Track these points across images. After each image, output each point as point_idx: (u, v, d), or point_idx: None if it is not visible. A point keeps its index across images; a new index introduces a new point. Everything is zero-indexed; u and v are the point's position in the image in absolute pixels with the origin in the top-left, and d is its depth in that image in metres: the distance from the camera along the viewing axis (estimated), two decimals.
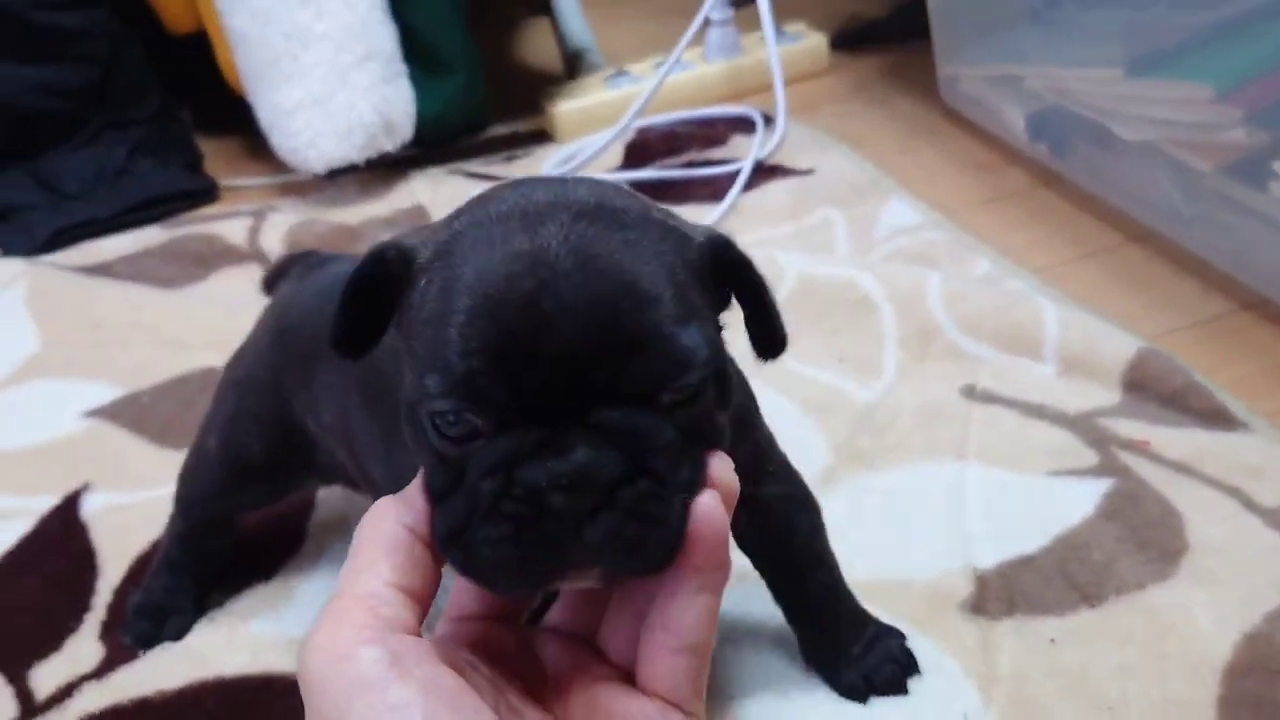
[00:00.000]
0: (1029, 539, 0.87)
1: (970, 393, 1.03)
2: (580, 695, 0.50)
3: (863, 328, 1.13)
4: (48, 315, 1.35)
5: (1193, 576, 0.82)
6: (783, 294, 1.17)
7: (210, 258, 1.45)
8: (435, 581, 0.49)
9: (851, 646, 0.77)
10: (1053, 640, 0.78)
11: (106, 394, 1.21)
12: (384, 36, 1.48)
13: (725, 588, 0.49)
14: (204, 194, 1.64)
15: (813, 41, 1.75)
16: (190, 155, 1.72)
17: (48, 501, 1.05)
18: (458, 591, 0.53)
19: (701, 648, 0.48)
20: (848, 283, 1.17)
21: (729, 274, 0.52)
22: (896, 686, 0.76)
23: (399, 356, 0.52)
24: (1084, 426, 0.97)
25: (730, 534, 0.48)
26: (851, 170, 1.45)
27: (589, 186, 0.50)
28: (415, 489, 0.49)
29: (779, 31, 1.76)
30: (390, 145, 1.52)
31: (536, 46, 2.07)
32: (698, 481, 0.48)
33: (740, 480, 0.68)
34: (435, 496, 0.49)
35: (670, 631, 0.48)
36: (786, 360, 1.08)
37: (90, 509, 1.04)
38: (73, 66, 1.63)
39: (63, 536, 1.02)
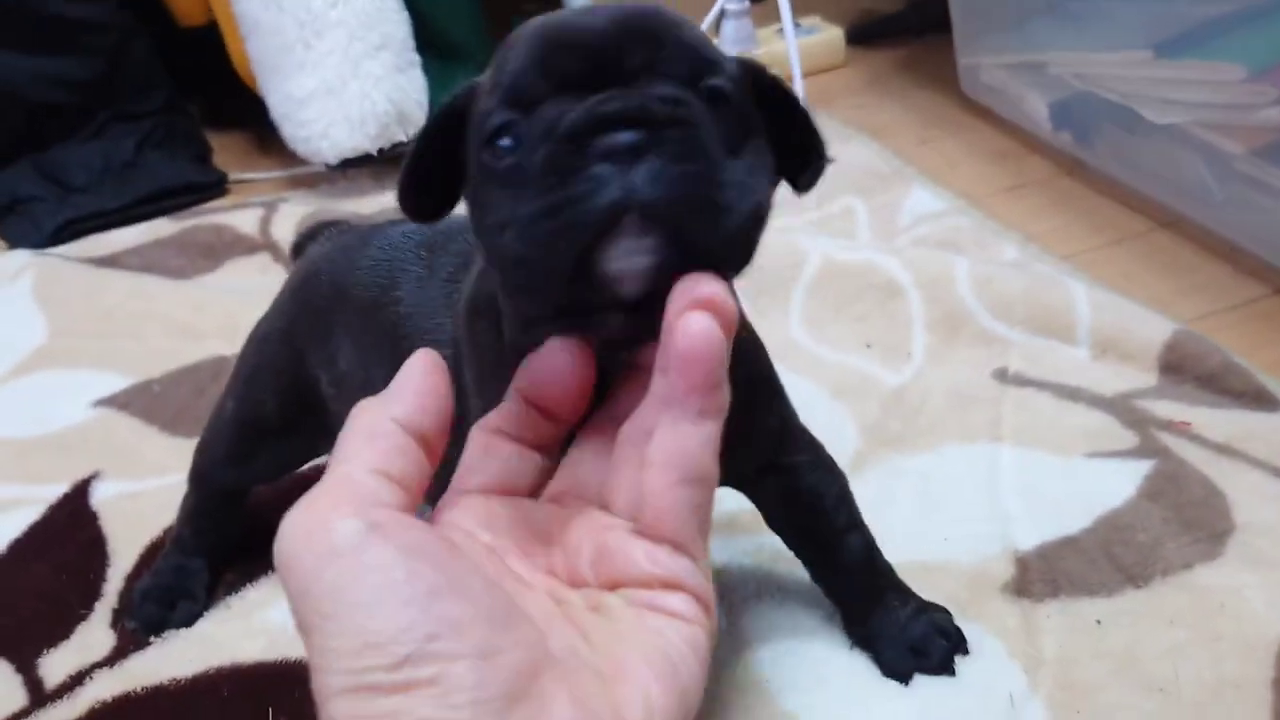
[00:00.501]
0: (1070, 520, 0.84)
1: (1003, 376, 1.01)
2: (585, 550, 0.46)
3: (890, 312, 1.10)
4: (55, 305, 1.33)
5: (1241, 557, 0.79)
6: (805, 279, 1.15)
7: (220, 248, 1.42)
8: (425, 474, 0.45)
9: (896, 615, 0.74)
10: (1099, 621, 0.76)
11: (116, 383, 1.18)
12: (398, 24, 1.47)
13: (723, 415, 0.45)
14: (213, 187, 1.62)
15: (829, 34, 1.73)
16: (199, 148, 1.70)
17: (57, 490, 1.03)
18: (461, 466, 0.50)
19: (705, 480, 0.45)
20: (873, 267, 1.14)
21: (762, 95, 0.51)
22: (945, 666, 0.73)
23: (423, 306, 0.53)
24: (1121, 408, 0.95)
25: (728, 352, 0.44)
26: (872, 159, 1.43)
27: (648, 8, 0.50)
28: (403, 382, 0.46)
29: (796, 25, 1.74)
30: (404, 135, 1.50)
31: None
32: (764, 187, 0.47)
33: (767, 450, 0.69)
34: (499, 227, 0.46)
35: (671, 465, 0.44)
36: (813, 346, 1.07)
37: (101, 497, 1.02)
38: (80, 58, 1.61)
39: (72, 524, 0.99)
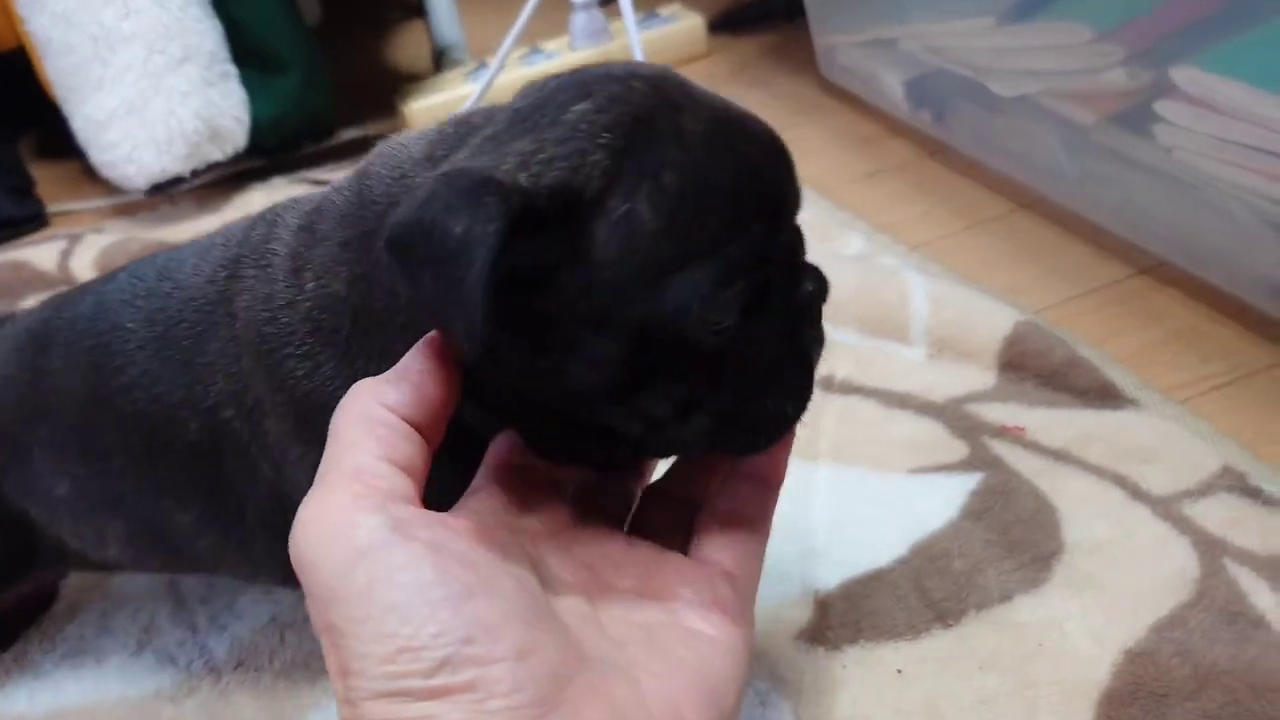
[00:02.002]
0: (882, 550, 0.74)
1: (829, 384, 0.90)
2: (631, 565, 0.47)
3: None
4: None
5: (1067, 582, 0.69)
6: None
7: (18, 287, 1.30)
8: (426, 461, 0.43)
9: None
10: (900, 671, 0.65)
11: None
12: (203, 34, 1.34)
13: None
14: (29, 221, 1.50)
15: (689, 23, 1.63)
16: (17, 180, 1.57)
17: None
18: (490, 452, 0.49)
19: (766, 534, 0.50)
20: None
21: None
22: None
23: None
24: (952, 415, 0.84)
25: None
26: None
27: (624, 65, 0.48)
28: (404, 367, 0.43)
29: (652, 15, 1.64)
30: (220, 154, 1.38)
31: (409, 50, 1.94)
32: None
33: None
34: (680, 407, 0.46)
35: (746, 514, 0.49)
36: None
37: None
38: None
39: None
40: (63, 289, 1.25)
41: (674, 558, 0.47)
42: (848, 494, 0.79)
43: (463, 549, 0.39)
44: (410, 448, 0.42)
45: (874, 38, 1.31)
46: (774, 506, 0.50)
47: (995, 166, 1.17)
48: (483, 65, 1.60)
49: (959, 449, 0.81)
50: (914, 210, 1.18)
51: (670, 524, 0.50)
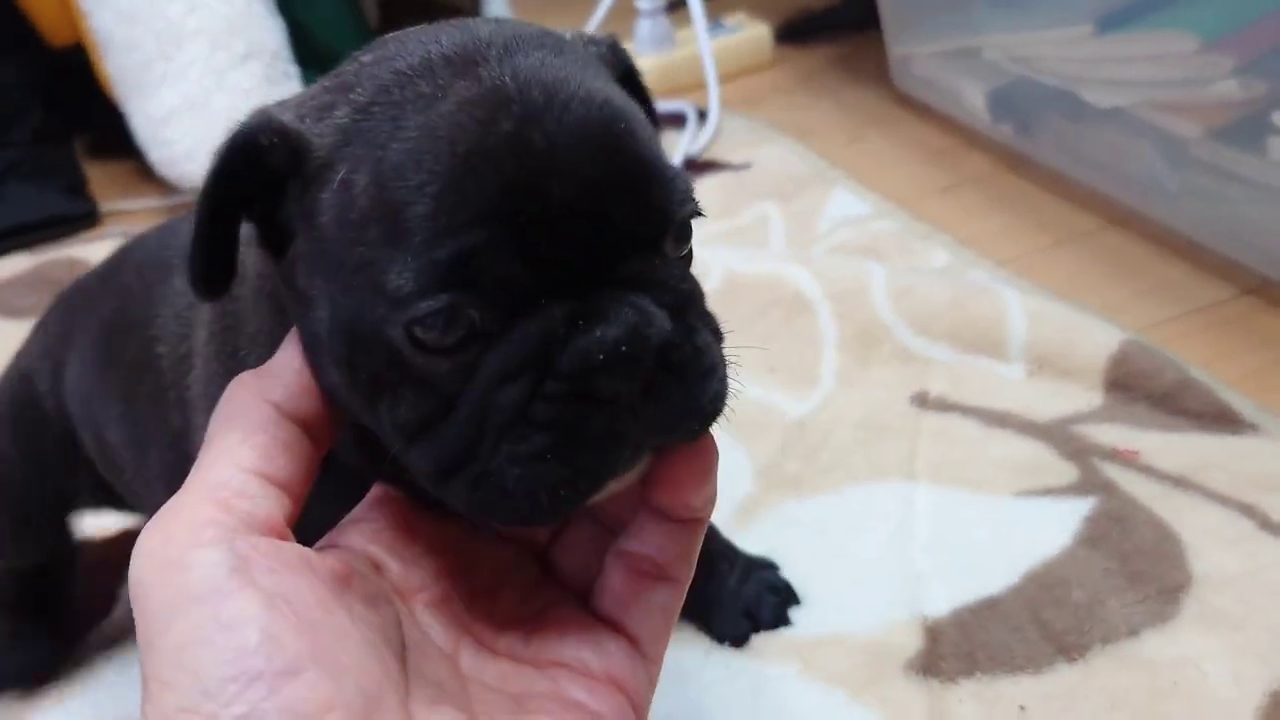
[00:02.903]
0: (993, 577, 0.69)
1: (922, 401, 0.86)
2: (522, 611, 0.41)
3: (797, 331, 0.95)
4: None
5: (1200, 618, 0.64)
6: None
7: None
8: (309, 471, 0.38)
9: (726, 580, 0.70)
10: (1023, 707, 0.61)
11: None
12: (268, 31, 1.32)
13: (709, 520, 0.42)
14: (82, 219, 1.48)
15: (754, 33, 1.59)
16: (71, 178, 1.55)
17: None
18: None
19: (681, 584, 0.41)
20: (779, 279, 1.00)
21: (626, 79, 0.44)
22: (778, 621, 0.70)
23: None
24: (1059, 436, 0.80)
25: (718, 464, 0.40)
26: (792, 161, 1.28)
27: (484, 20, 0.41)
28: (283, 359, 0.39)
29: (718, 24, 1.61)
30: None
31: None
32: (719, 330, 0.42)
33: None
34: (413, 430, 0.38)
35: (653, 562, 0.40)
36: None
37: None
38: None
39: None
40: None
41: (566, 615, 0.41)
42: (951, 516, 0.75)
43: (309, 604, 0.34)
44: (290, 460, 0.37)
45: (954, 48, 1.27)
46: (694, 549, 0.41)
47: (1083, 180, 1.13)
48: None
49: (1068, 472, 0.77)
50: (995, 224, 1.13)
51: (587, 551, 0.42)
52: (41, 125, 1.57)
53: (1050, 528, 0.72)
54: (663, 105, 1.46)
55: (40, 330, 0.73)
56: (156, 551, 0.35)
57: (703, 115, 1.41)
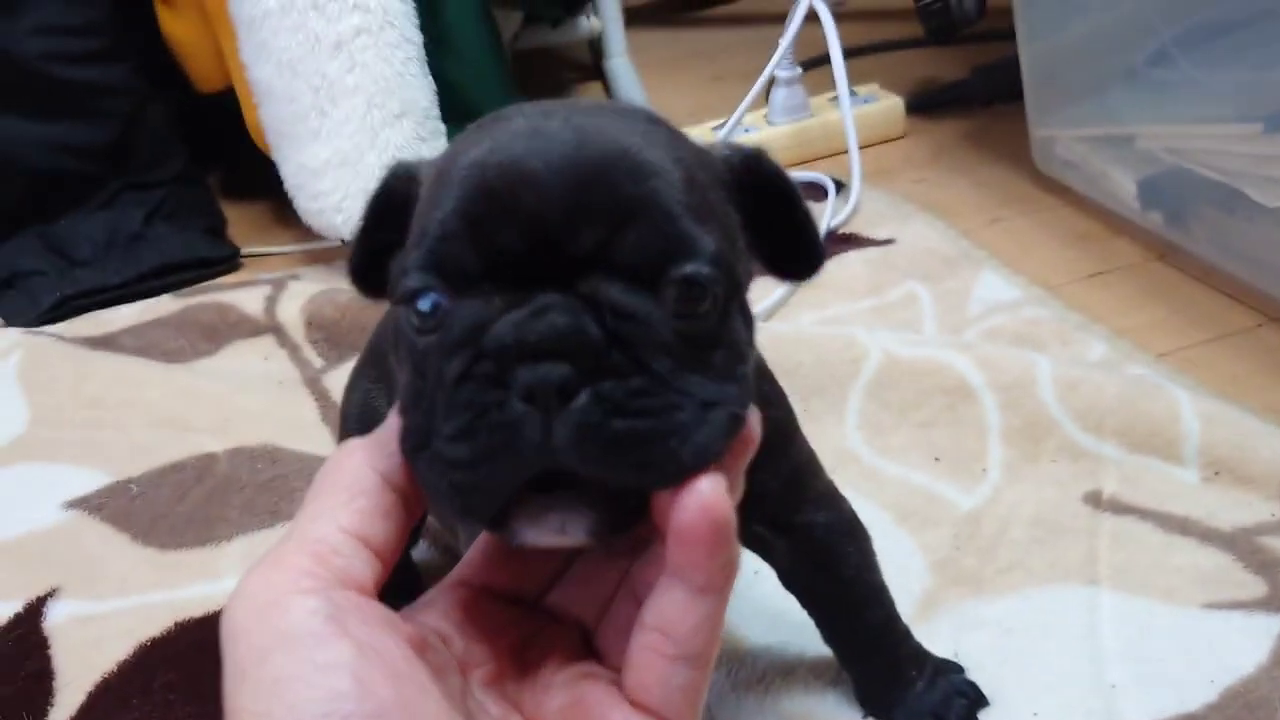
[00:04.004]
0: (1190, 692, 0.69)
1: (1095, 500, 0.86)
2: (558, 691, 0.42)
3: (960, 420, 0.96)
4: (40, 391, 1.22)
5: None
6: (864, 379, 1.01)
7: (222, 329, 1.31)
8: (402, 539, 0.41)
9: (915, 684, 0.70)
10: None
11: (93, 480, 1.06)
12: (420, 91, 1.35)
13: (731, 589, 0.40)
14: (224, 261, 1.51)
15: (887, 103, 1.61)
16: (212, 220, 1.59)
17: (9, 608, 0.91)
18: (471, 555, 0.46)
19: (701, 659, 0.40)
20: (941, 366, 1.00)
21: (760, 188, 0.47)
22: None
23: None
24: (1243, 546, 0.80)
25: (735, 524, 0.39)
26: (936, 240, 1.29)
27: (604, 102, 0.47)
28: (390, 429, 0.41)
29: (851, 94, 1.61)
30: None
31: None
32: (734, 395, 0.40)
33: (779, 507, 0.64)
34: (406, 408, 0.41)
35: (667, 636, 0.40)
36: (872, 458, 0.93)
37: (56, 619, 0.89)
38: (92, 124, 1.52)
39: (20, 652, 0.87)
40: (268, 337, 1.27)
41: (605, 698, 0.41)
42: (1139, 626, 0.74)
43: (396, 659, 0.36)
44: (387, 526, 0.40)
45: (1104, 134, 1.27)
46: (713, 624, 0.40)
47: (1240, 275, 1.12)
48: None
49: (1256, 585, 0.76)
50: (1149, 317, 1.13)
51: (627, 632, 0.42)
52: (184, 168, 1.61)
53: (1244, 644, 0.72)
54: (798, 175, 1.48)
55: (368, 351, 0.81)
56: (256, 595, 0.37)
57: (839, 186, 1.42)
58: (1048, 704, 0.69)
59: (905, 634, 0.71)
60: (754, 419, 0.41)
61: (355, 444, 0.41)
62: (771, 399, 0.63)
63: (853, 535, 0.68)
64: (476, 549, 0.46)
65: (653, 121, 0.44)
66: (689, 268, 0.39)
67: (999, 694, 0.70)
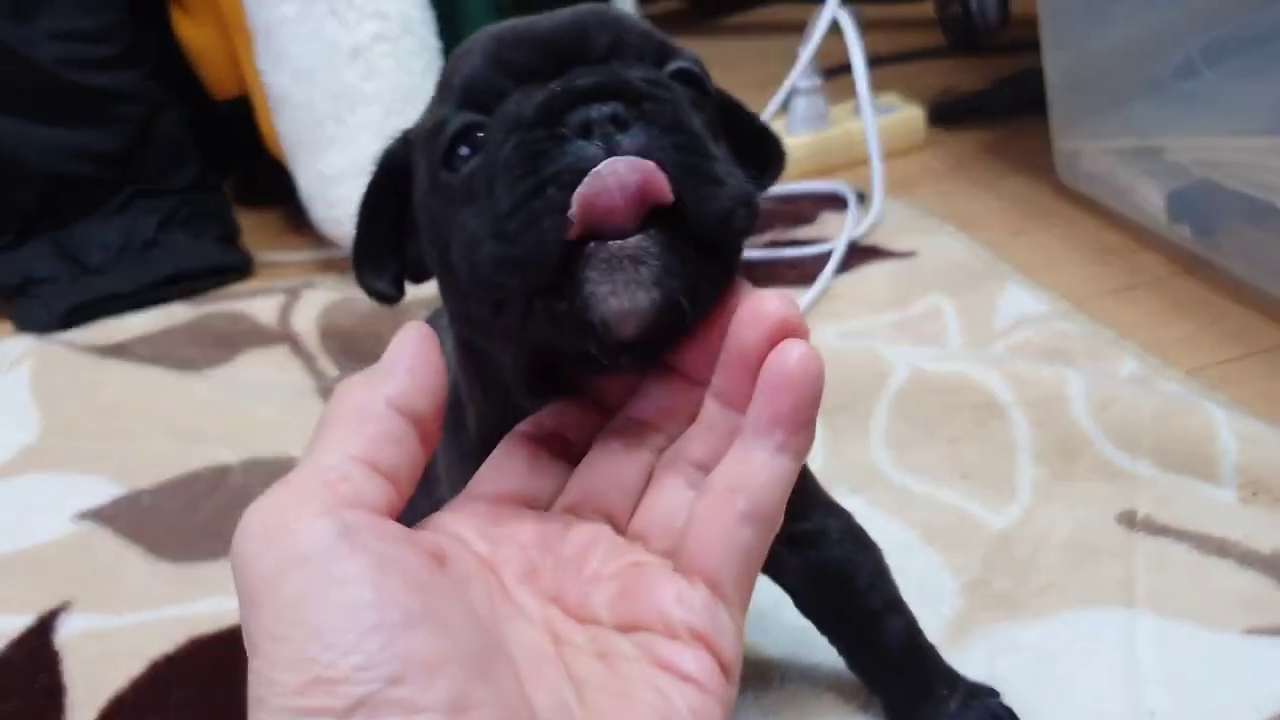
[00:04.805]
0: (1233, 718, 0.67)
1: (1130, 521, 0.84)
2: (605, 580, 0.41)
3: (990, 437, 0.94)
4: (52, 399, 1.21)
5: None
6: (890, 394, 0.99)
7: (236, 338, 1.30)
8: (417, 466, 0.39)
9: (946, 704, 0.67)
10: None
11: (106, 491, 1.05)
12: None
13: (806, 458, 0.40)
14: (238, 269, 1.51)
15: (907, 114, 1.59)
16: (226, 228, 1.58)
17: (20, 622, 0.89)
18: (478, 474, 0.45)
19: (767, 520, 0.40)
20: (969, 382, 0.98)
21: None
22: None
23: None
24: None
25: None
26: (960, 253, 1.27)
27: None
28: (395, 357, 0.40)
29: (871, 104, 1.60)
30: None
31: None
32: (748, 180, 0.42)
33: (789, 517, 0.59)
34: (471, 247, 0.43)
35: (736, 494, 0.39)
36: (899, 475, 0.91)
37: (67, 633, 0.88)
38: (106, 130, 1.51)
39: (30, 667, 0.85)
40: (282, 346, 1.26)
41: (648, 574, 0.41)
42: (1178, 651, 0.72)
43: (416, 569, 0.35)
44: (396, 450, 0.38)
45: (1132, 146, 1.26)
46: (781, 481, 0.40)
47: (1271, 291, 1.11)
48: None
49: None
50: (1179, 332, 1.11)
51: (669, 510, 0.43)
52: (199, 175, 1.60)
53: None
54: (819, 185, 1.47)
55: None
56: (264, 520, 0.35)
57: (861, 197, 1.40)
58: None
59: (931, 650, 0.69)
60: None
61: (357, 378, 0.40)
62: None
63: (864, 543, 0.67)
64: (491, 462, 0.45)
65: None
66: (683, 62, 0.45)
67: (1037, 717, 0.68)
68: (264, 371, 1.23)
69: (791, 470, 0.40)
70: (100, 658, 0.85)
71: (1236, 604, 0.75)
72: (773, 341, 0.39)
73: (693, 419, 0.43)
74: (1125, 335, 1.09)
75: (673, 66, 0.44)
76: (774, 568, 0.66)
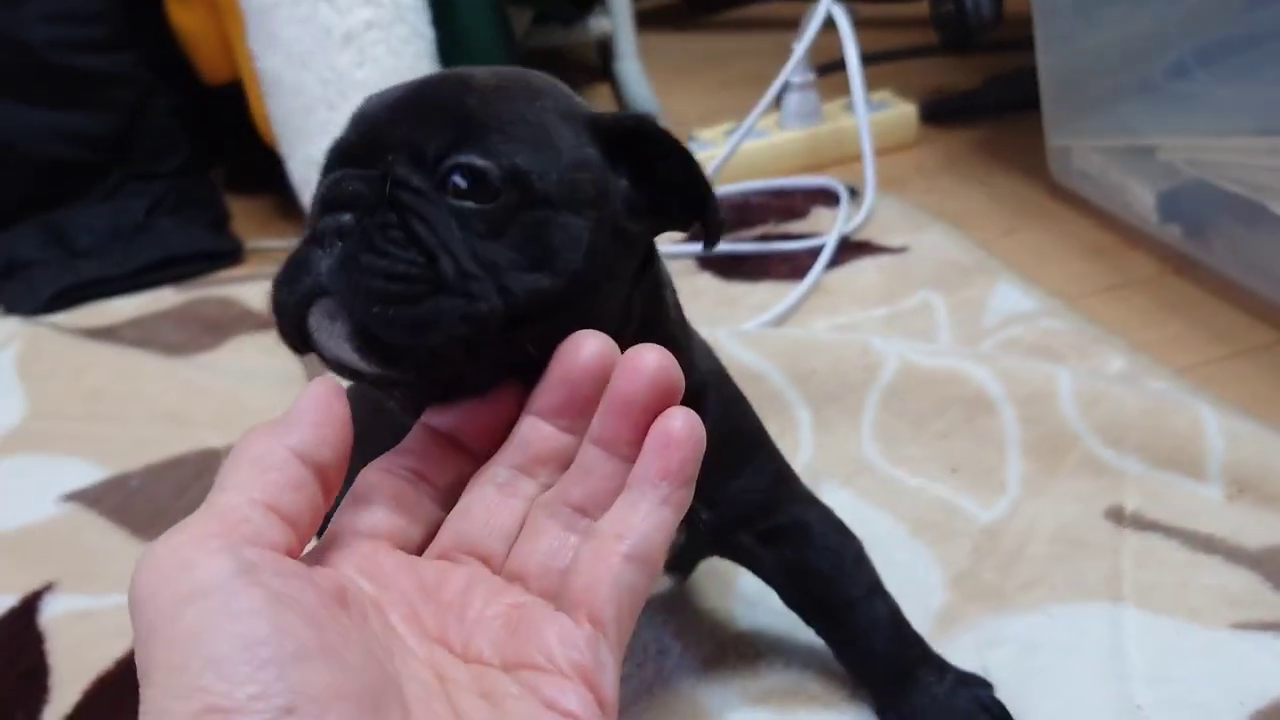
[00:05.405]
0: (1218, 716, 0.67)
1: (1118, 516, 0.84)
2: (488, 621, 0.42)
3: (979, 431, 0.94)
4: (37, 382, 1.20)
5: None
6: (879, 388, 0.99)
7: (225, 323, 1.29)
8: (317, 513, 0.41)
9: (933, 689, 0.68)
10: None
11: (92, 474, 1.05)
12: None
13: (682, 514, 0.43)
14: (227, 255, 1.50)
15: (899, 111, 1.59)
16: (216, 213, 1.57)
17: (3, 602, 0.89)
18: (346, 503, 0.46)
19: (649, 563, 0.42)
20: (959, 377, 0.98)
21: (649, 151, 0.52)
22: None
23: None
24: (1270, 566, 0.78)
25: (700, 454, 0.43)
26: (951, 249, 1.27)
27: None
28: (301, 410, 0.42)
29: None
30: None
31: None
32: (483, 289, 0.46)
33: (762, 512, 0.66)
34: None
35: (623, 536, 0.42)
36: (887, 468, 0.91)
37: (51, 614, 0.88)
38: (96, 113, 1.50)
39: (14, 648, 0.85)
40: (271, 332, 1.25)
41: (536, 607, 0.43)
42: (1165, 646, 0.72)
43: (314, 604, 0.36)
44: (297, 496, 0.40)
45: (1124, 145, 1.26)
46: (664, 527, 0.43)
47: (1260, 290, 1.11)
48: (690, 138, 1.57)
49: None
50: (1167, 331, 1.11)
51: (547, 552, 0.45)
52: (188, 161, 1.60)
53: (1274, 667, 0.70)
54: (811, 181, 1.46)
55: None
56: (165, 556, 0.36)
57: (853, 192, 1.41)
58: None
59: (916, 636, 0.69)
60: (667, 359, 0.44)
61: (261, 426, 0.42)
62: (736, 402, 0.67)
63: (845, 533, 0.69)
64: (357, 492, 0.46)
65: (538, 76, 0.53)
66: (464, 157, 0.46)
67: (1024, 713, 0.69)
68: (252, 357, 1.22)
69: (672, 522, 0.43)
70: (85, 639, 0.84)
71: (1223, 600, 0.76)
72: (653, 388, 0.43)
73: (563, 464, 0.46)
74: (1114, 333, 1.09)
75: (453, 161, 0.46)
76: (753, 564, 0.68)
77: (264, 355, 1.23)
